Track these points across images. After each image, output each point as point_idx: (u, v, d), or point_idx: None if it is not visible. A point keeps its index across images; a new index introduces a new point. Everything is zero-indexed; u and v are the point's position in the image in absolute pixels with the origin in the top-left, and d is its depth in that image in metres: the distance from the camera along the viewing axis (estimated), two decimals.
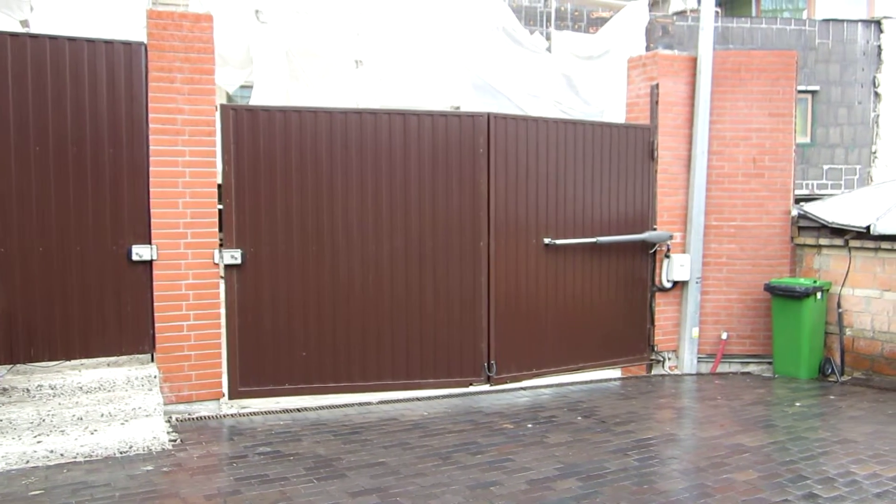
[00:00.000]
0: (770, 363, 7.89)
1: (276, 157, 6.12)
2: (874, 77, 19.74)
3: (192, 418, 5.86)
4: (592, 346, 7.43)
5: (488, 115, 6.65)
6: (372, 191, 6.35)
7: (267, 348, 6.19)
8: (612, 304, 7.55)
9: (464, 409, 6.34)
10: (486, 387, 6.81)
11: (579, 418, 6.07)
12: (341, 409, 6.26)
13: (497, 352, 6.76)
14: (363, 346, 6.39)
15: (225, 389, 6.15)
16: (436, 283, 6.53)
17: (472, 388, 6.81)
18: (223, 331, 6.08)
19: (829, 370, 7.59)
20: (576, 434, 5.62)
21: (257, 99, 16.34)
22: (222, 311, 6.03)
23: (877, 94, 19.80)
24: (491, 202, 6.67)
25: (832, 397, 6.85)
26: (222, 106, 6.05)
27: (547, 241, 6.99)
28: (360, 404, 6.41)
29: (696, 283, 7.82)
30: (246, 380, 6.17)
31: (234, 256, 6.04)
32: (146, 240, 5.71)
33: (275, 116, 6.14)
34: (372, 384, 6.42)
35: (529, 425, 5.85)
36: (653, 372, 7.92)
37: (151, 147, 5.70)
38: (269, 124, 6.10)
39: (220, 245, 5.98)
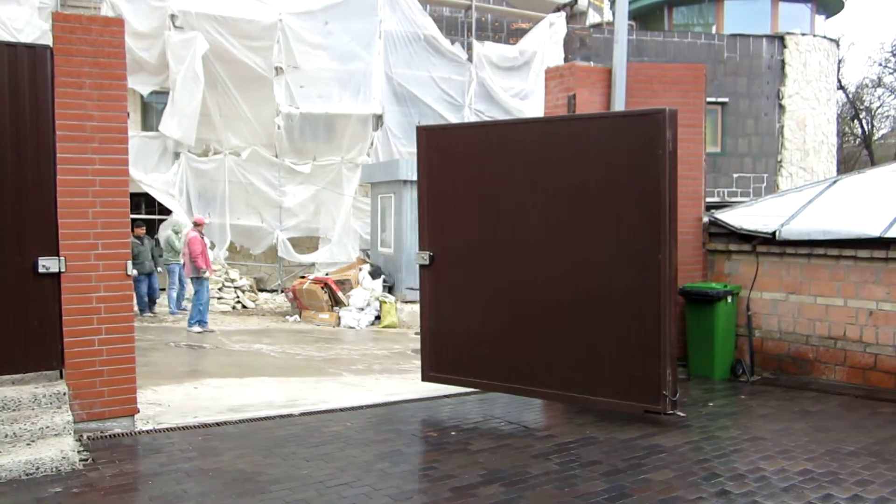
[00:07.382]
0: (685, 365, 8.14)
1: (459, 170, 6.61)
2: (779, 90, 20.69)
3: (105, 436, 5.64)
4: None
5: (666, 111, 5.84)
6: (543, 197, 6.25)
7: (452, 341, 6.66)
8: None
9: (386, 417, 6.31)
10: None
11: (503, 425, 6.13)
12: (260, 423, 6.14)
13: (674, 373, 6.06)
14: (538, 352, 6.34)
15: (419, 372, 6.90)
16: (610, 297, 6.03)
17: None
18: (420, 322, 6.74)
19: (741, 370, 7.89)
20: (499, 440, 5.67)
21: (175, 104, 15.98)
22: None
23: (781, 107, 20.76)
24: (678, 209, 6.03)
25: (743, 397, 7.13)
26: (418, 127, 6.85)
27: None
28: (282, 417, 6.31)
29: None
30: (436, 367, 6.77)
31: (423, 258, 6.70)
32: (54, 251, 5.47)
33: (453, 133, 6.98)
34: (545, 391, 6.40)
35: (453, 433, 5.87)
36: None
37: (59, 154, 5.47)
38: (451, 140, 6.71)
39: (133, 259, 5.79)
